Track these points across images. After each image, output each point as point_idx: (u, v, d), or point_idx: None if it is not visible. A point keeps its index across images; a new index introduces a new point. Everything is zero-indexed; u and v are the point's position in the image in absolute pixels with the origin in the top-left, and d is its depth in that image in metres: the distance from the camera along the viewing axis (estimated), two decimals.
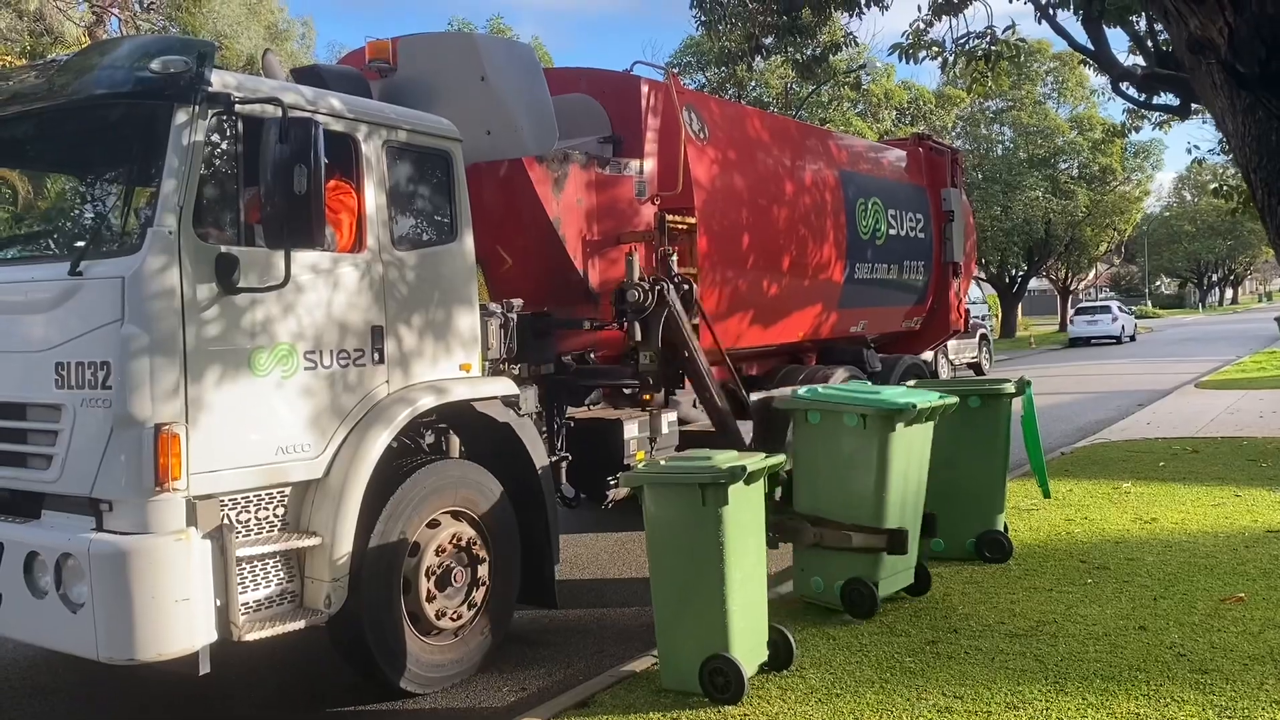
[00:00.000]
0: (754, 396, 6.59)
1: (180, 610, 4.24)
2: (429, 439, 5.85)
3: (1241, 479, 9.83)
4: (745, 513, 4.98)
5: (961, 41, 12.14)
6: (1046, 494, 8.09)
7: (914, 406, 5.76)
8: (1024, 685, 4.92)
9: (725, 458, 5.01)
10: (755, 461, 5.03)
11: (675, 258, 6.89)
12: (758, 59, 15.00)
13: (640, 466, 5.92)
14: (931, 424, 6.13)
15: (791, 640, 5.24)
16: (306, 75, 6.02)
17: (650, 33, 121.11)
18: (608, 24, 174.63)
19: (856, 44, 16.09)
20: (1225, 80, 3.04)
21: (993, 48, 12.01)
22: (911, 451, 5.95)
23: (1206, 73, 3.17)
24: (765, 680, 5.09)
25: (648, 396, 6.73)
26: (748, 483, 4.93)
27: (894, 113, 35.94)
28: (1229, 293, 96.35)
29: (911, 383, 8.11)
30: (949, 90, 36.68)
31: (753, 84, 32.28)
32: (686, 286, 6.84)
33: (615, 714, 4.84)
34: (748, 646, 4.99)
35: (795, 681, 5.08)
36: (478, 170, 6.13)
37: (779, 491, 5.96)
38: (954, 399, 6.32)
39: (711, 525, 4.80)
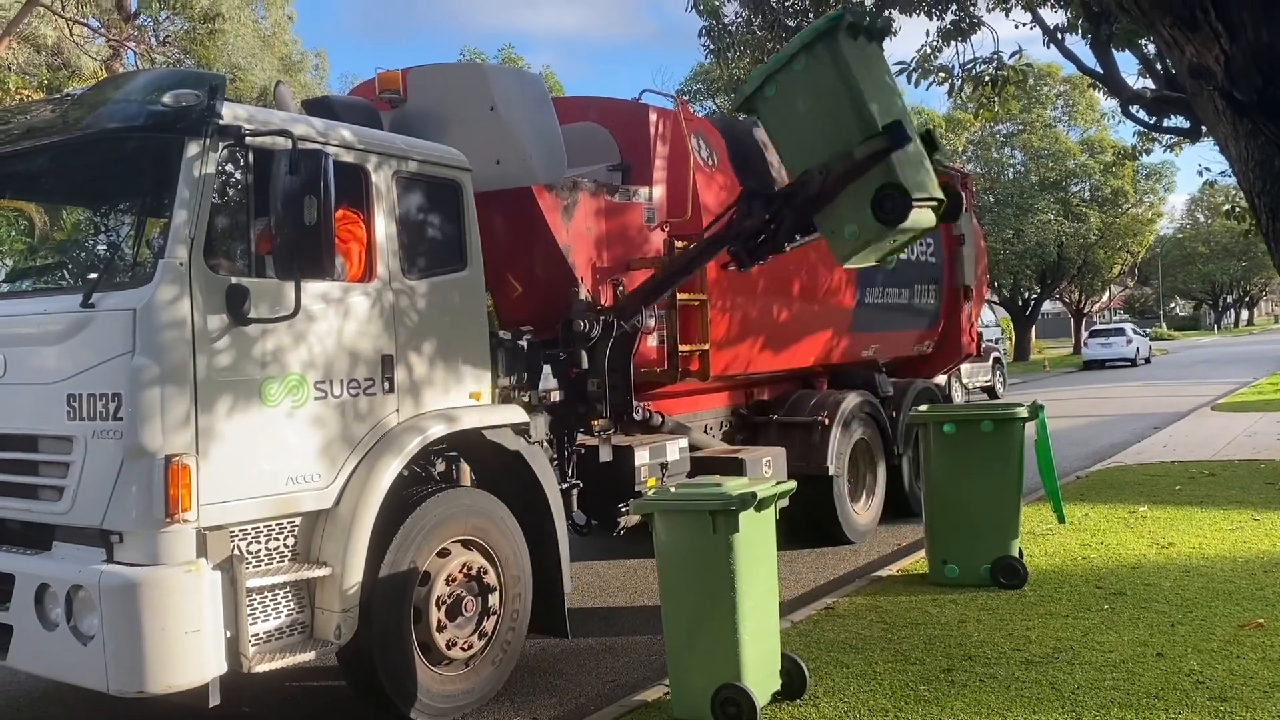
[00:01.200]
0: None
1: (190, 642, 4.24)
2: (439, 467, 5.85)
3: (1259, 502, 9.74)
4: (757, 540, 4.95)
5: (968, 67, 12.19)
6: (1061, 519, 8.02)
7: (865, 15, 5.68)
8: (1040, 714, 4.87)
9: (736, 484, 5.00)
10: (766, 488, 5.02)
11: (624, 287, 6.86)
12: None
13: (651, 493, 5.90)
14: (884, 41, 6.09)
15: (805, 669, 5.20)
16: (317, 106, 6.08)
17: (661, 61, 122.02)
18: (619, 53, 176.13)
19: None
20: (1225, 106, 3.04)
21: (1000, 73, 12.05)
22: (880, 62, 5.90)
23: (1208, 98, 3.16)
24: (778, 710, 5.04)
25: (596, 422, 6.72)
26: (759, 509, 4.91)
27: None
28: (1244, 314, 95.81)
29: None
30: (959, 114, 36.74)
31: None
32: (635, 321, 6.76)
33: None
34: (760, 675, 4.95)
35: (809, 711, 5.03)
36: (487, 199, 6.16)
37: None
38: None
39: (722, 552, 4.78)
